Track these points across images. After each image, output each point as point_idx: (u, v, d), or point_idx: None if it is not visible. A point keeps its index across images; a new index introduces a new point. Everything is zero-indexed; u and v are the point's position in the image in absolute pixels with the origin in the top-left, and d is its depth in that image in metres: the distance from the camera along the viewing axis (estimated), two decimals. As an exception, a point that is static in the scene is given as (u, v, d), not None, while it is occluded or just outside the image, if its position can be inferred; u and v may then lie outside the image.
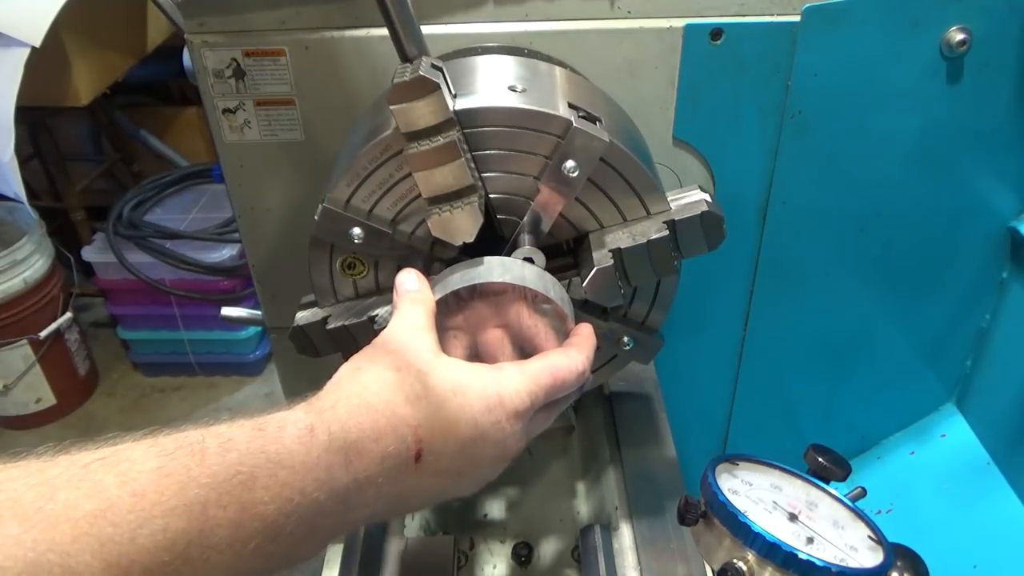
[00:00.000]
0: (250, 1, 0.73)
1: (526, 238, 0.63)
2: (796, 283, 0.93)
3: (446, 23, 0.75)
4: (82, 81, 1.92)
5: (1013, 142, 0.86)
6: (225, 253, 2.10)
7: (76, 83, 1.91)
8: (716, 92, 0.77)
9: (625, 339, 0.68)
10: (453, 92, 0.59)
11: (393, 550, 0.72)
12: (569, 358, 0.56)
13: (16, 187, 1.68)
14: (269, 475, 0.42)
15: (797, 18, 0.74)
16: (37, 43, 1.57)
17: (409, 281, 0.58)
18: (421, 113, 0.56)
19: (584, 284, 0.61)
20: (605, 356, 0.69)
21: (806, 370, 1.02)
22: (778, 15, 0.74)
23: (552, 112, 0.59)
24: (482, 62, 0.68)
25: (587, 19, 0.74)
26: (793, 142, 0.81)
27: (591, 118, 0.60)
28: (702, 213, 0.61)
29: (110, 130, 2.48)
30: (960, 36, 0.76)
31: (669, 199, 0.63)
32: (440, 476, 0.51)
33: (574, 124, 0.58)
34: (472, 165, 0.59)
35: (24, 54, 1.57)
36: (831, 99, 0.79)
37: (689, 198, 0.63)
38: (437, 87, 0.55)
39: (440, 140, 0.57)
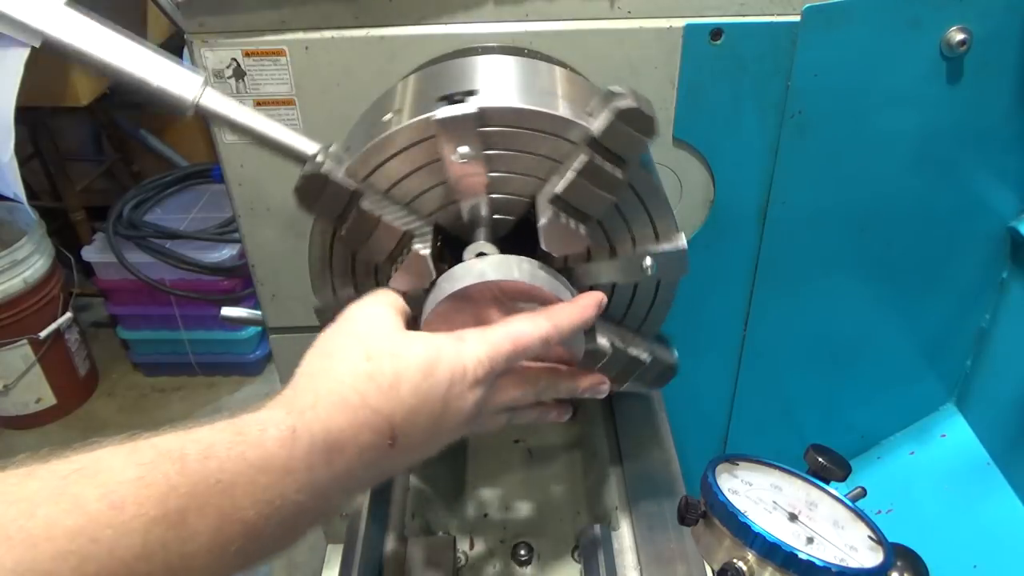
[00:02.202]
0: (250, 1, 0.74)
1: (481, 233, 0.62)
2: (796, 283, 0.92)
3: (446, 23, 0.75)
4: (82, 81, 1.92)
5: (1013, 142, 0.86)
6: (225, 253, 2.10)
7: (76, 83, 1.91)
8: (716, 92, 0.77)
9: (643, 354, 0.68)
10: (346, 152, 0.61)
11: (393, 550, 0.72)
12: (534, 324, 0.56)
13: (16, 187, 1.68)
14: (250, 481, 0.42)
15: (797, 18, 0.74)
16: (37, 43, 1.57)
17: None
18: (329, 205, 0.59)
19: (542, 245, 0.59)
20: (615, 370, 0.69)
21: (806, 370, 1.02)
22: (778, 15, 0.74)
23: (421, 117, 0.58)
24: (485, 62, 0.68)
25: (587, 19, 0.74)
26: (793, 142, 0.81)
27: (461, 98, 0.59)
28: (617, 112, 0.57)
29: (110, 130, 2.48)
30: (960, 36, 0.76)
31: (585, 123, 0.60)
32: (412, 451, 0.53)
33: (437, 117, 0.57)
34: (398, 212, 0.60)
35: (24, 54, 1.57)
36: (831, 99, 0.79)
37: (604, 108, 0.59)
38: (326, 179, 0.58)
39: (355, 213, 0.59)
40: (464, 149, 0.58)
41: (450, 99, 0.58)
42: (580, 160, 0.58)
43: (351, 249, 0.62)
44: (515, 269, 0.59)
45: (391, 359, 0.50)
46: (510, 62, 0.68)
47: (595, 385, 0.64)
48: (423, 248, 0.60)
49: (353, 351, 0.51)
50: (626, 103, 0.57)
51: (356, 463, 0.48)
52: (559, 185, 0.59)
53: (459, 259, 0.61)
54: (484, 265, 0.59)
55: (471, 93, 0.59)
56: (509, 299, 0.59)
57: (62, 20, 0.56)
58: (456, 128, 0.57)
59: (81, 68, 1.89)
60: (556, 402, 0.66)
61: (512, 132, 0.59)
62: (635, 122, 0.57)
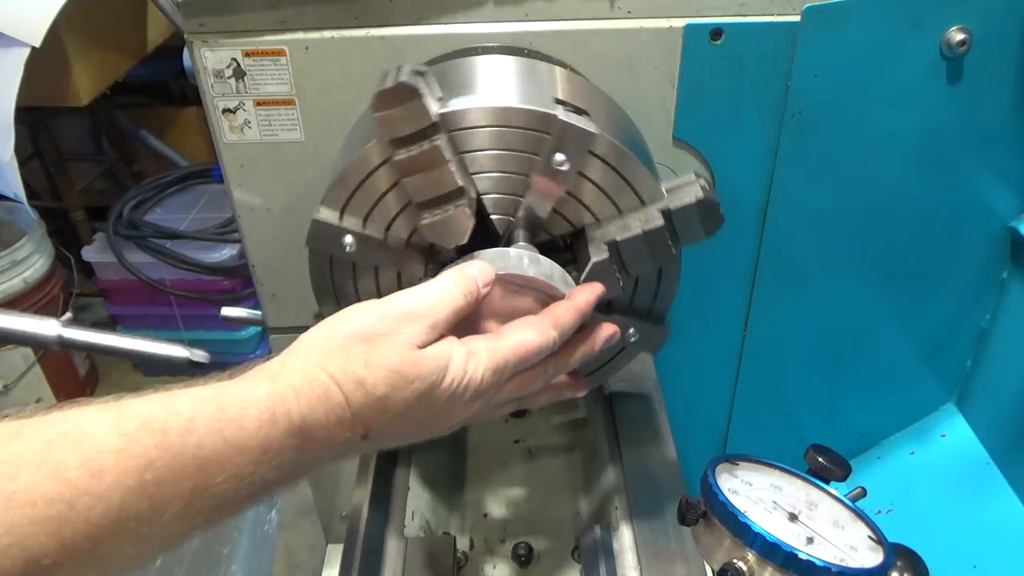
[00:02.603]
0: (250, 1, 0.73)
1: (520, 234, 0.63)
2: (796, 283, 0.92)
3: (446, 23, 0.75)
4: (82, 81, 1.92)
5: (1013, 142, 0.86)
6: (225, 253, 2.10)
7: (76, 83, 1.91)
8: (716, 92, 0.77)
9: (631, 331, 0.68)
10: (439, 96, 0.59)
11: (393, 550, 0.72)
12: (539, 333, 0.56)
13: (16, 187, 1.68)
14: (226, 459, 0.43)
15: (797, 18, 0.74)
16: (37, 43, 1.57)
17: (475, 268, 0.56)
18: (403, 120, 0.56)
19: (582, 277, 0.61)
20: (612, 351, 0.69)
21: (806, 370, 1.02)
22: (778, 15, 0.74)
23: (538, 109, 0.59)
24: (479, 62, 0.68)
25: (587, 19, 0.74)
26: (793, 142, 0.81)
27: (579, 111, 0.60)
28: (697, 200, 0.61)
29: (110, 130, 2.48)
30: (960, 36, 0.76)
31: (664, 187, 0.62)
32: (386, 442, 0.54)
33: (560, 118, 0.58)
34: (462, 168, 0.59)
35: (24, 54, 1.57)
36: (831, 99, 0.79)
37: (685, 185, 0.63)
38: (417, 93, 0.55)
39: (426, 145, 0.57)
40: (561, 158, 0.58)
41: (565, 105, 0.60)
42: (652, 223, 0.61)
43: (401, 175, 0.60)
44: (555, 276, 0.59)
45: (388, 376, 0.50)
46: (510, 62, 0.68)
47: (610, 337, 0.63)
48: (468, 211, 0.59)
49: (355, 351, 0.50)
50: (709, 195, 0.61)
51: (325, 453, 0.49)
52: (621, 233, 0.61)
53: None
54: (527, 260, 0.59)
55: (582, 111, 0.60)
56: (518, 288, 0.59)
57: None
58: (575, 138, 0.58)
59: (82, 66, 1.89)
60: (569, 376, 0.65)
61: (512, 132, 0.59)
62: (708, 215, 0.62)
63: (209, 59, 0.76)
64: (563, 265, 0.63)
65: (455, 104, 0.59)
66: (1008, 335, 0.99)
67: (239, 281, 2.13)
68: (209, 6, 0.74)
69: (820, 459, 0.59)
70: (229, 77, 0.77)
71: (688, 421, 0.90)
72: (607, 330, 0.63)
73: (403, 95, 0.56)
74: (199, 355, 0.64)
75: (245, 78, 0.77)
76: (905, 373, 1.05)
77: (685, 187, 0.62)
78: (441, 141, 0.57)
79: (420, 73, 0.58)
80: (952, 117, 0.83)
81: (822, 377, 1.03)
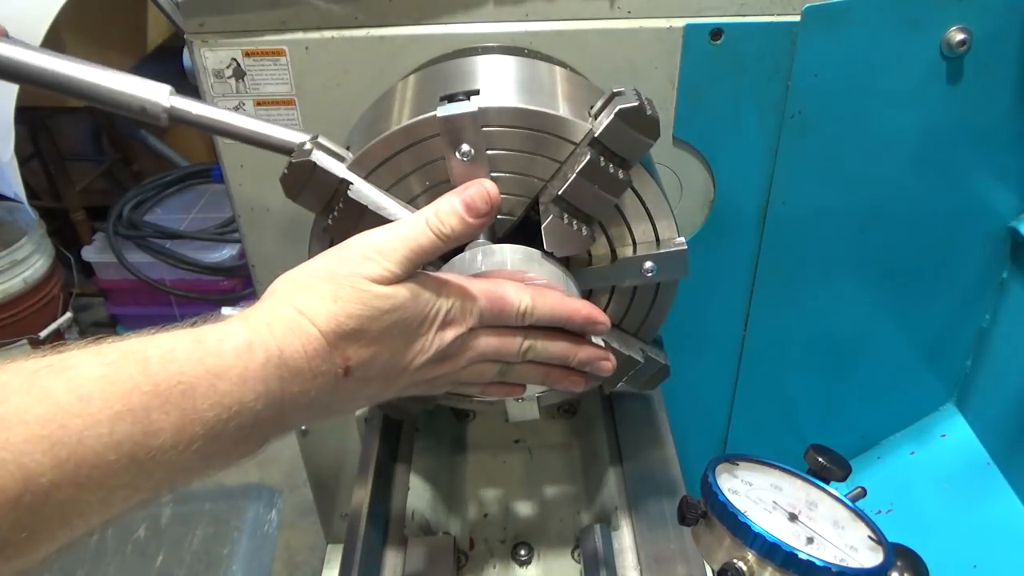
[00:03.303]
0: (250, 1, 0.74)
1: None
2: (796, 283, 0.92)
3: (446, 23, 0.75)
4: (82, 81, 1.92)
5: (1013, 142, 0.86)
6: (225, 253, 2.10)
7: (76, 83, 1.91)
8: (716, 92, 0.77)
9: (638, 353, 0.68)
10: (336, 151, 0.61)
11: (393, 550, 0.72)
12: (516, 292, 0.57)
13: (16, 187, 1.68)
14: (209, 385, 0.44)
15: (797, 18, 0.74)
16: (37, 43, 1.57)
17: (446, 205, 0.55)
18: (317, 191, 0.60)
19: (544, 246, 0.60)
20: (618, 373, 0.69)
21: (806, 370, 1.02)
22: (778, 15, 0.74)
23: (424, 116, 0.59)
24: (484, 62, 0.68)
25: (587, 19, 0.74)
26: (793, 142, 0.81)
27: (467, 96, 0.59)
28: (618, 115, 0.57)
29: (110, 130, 2.48)
30: (960, 36, 0.76)
31: (592, 112, 0.60)
32: (369, 383, 0.54)
33: (438, 116, 0.57)
34: (390, 203, 0.60)
35: (24, 54, 1.57)
36: (831, 99, 0.79)
37: (608, 106, 0.59)
38: (313, 165, 0.58)
39: (341, 205, 0.59)
40: (465, 148, 0.58)
41: (452, 98, 0.58)
42: (582, 160, 0.58)
43: (338, 240, 0.62)
44: (507, 259, 0.59)
45: (361, 308, 0.51)
46: (510, 62, 0.68)
47: (593, 359, 0.62)
48: None
49: (323, 289, 0.51)
50: (629, 103, 0.57)
51: (309, 386, 0.49)
52: (561, 186, 0.59)
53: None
54: (479, 255, 0.59)
55: (474, 93, 0.59)
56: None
57: (38, 54, 0.59)
58: (458, 126, 0.57)
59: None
60: (571, 371, 0.64)
61: (513, 132, 0.59)
62: (637, 123, 0.58)
63: (209, 59, 0.76)
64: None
65: (481, 102, 0.58)
66: (1008, 335, 0.99)
67: (239, 281, 2.13)
68: (209, 6, 0.74)
69: (820, 459, 0.59)
70: (229, 77, 0.77)
71: (688, 421, 0.90)
72: (596, 353, 0.62)
73: (304, 173, 0.59)
74: (304, 140, 0.62)
75: (245, 78, 0.77)
76: (905, 373, 1.05)
77: (608, 107, 0.59)
78: (353, 192, 0.59)
79: (311, 140, 0.61)
80: (952, 117, 0.83)
81: (822, 377, 1.03)
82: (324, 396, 0.51)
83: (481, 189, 0.55)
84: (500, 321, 0.58)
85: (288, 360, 0.48)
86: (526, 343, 0.59)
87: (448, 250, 0.56)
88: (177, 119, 0.62)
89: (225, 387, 0.45)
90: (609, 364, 0.63)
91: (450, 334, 0.55)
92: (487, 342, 0.58)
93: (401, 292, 0.52)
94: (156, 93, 0.61)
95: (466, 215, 0.54)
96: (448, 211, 0.54)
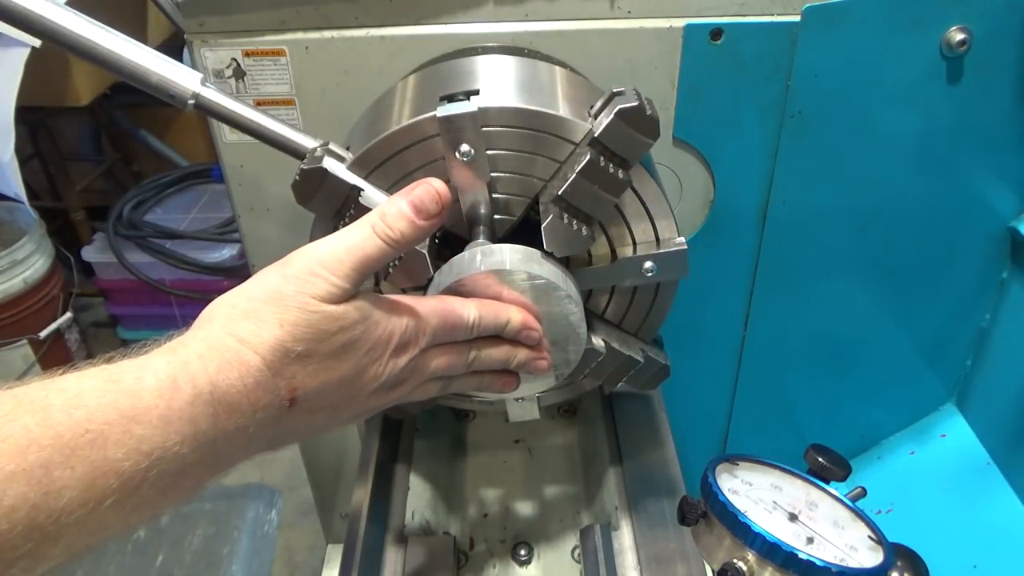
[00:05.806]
0: (250, 1, 0.74)
1: (481, 231, 0.62)
2: (796, 283, 0.92)
3: (446, 23, 0.75)
4: (82, 81, 1.92)
5: (1013, 142, 0.86)
6: (225, 253, 2.10)
7: (76, 83, 1.91)
8: (716, 92, 0.77)
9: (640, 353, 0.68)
10: (342, 156, 0.61)
11: (393, 550, 0.72)
12: (463, 306, 0.56)
13: (16, 187, 1.68)
14: (123, 431, 0.39)
15: (797, 18, 0.74)
16: (37, 43, 1.57)
17: (393, 208, 0.52)
18: (329, 198, 0.60)
19: (544, 246, 0.60)
20: (609, 369, 0.69)
21: (806, 370, 1.02)
22: (778, 15, 0.74)
23: (423, 117, 0.59)
24: (484, 62, 0.68)
25: (587, 19, 0.74)
26: (793, 142, 0.81)
27: (467, 96, 0.59)
28: (618, 115, 0.57)
29: (110, 130, 2.48)
30: (960, 36, 0.76)
31: (591, 112, 0.60)
32: (316, 413, 0.50)
33: (438, 116, 0.57)
34: None
35: (24, 54, 1.57)
36: (831, 99, 0.79)
37: (608, 106, 0.59)
38: (325, 171, 0.59)
39: (351, 211, 0.60)
40: (465, 148, 0.58)
41: (452, 98, 0.58)
42: (582, 160, 0.58)
43: None
44: (507, 259, 0.59)
45: (308, 332, 0.47)
46: (510, 62, 0.68)
47: (530, 360, 0.60)
48: (421, 246, 0.60)
49: (266, 313, 0.47)
50: (628, 103, 0.57)
51: (249, 421, 0.45)
52: (561, 186, 0.59)
53: None
54: (478, 255, 0.59)
55: (473, 93, 0.59)
56: (489, 286, 0.59)
57: (68, 17, 0.58)
58: (458, 126, 0.57)
59: (82, 66, 1.89)
60: (504, 372, 0.62)
61: (513, 132, 0.59)
62: (637, 123, 0.58)
63: (209, 59, 0.76)
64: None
65: (481, 101, 0.58)
66: (1008, 335, 0.99)
67: (239, 281, 2.12)
68: (209, 6, 0.74)
69: (820, 459, 0.59)
70: (229, 77, 0.77)
71: (688, 421, 0.90)
72: (532, 354, 0.60)
73: (315, 179, 0.59)
74: (315, 146, 0.62)
75: (245, 78, 0.77)
76: (905, 373, 1.05)
77: (608, 107, 0.59)
78: (365, 198, 0.59)
79: (321, 146, 0.62)
80: (952, 117, 0.83)
81: (822, 377, 1.03)
82: (265, 431, 0.47)
83: (430, 189, 0.52)
84: (451, 337, 0.56)
85: (223, 395, 0.44)
86: (472, 354, 0.58)
87: (397, 256, 0.54)
88: (201, 107, 0.62)
89: (143, 431, 0.40)
90: (545, 363, 0.61)
91: (403, 358, 0.53)
92: (437, 362, 0.56)
93: (352, 313, 0.49)
94: (187, 79, 0.61)
95: (415, 217, 0.51)
96: (396, 215, 0.51)
